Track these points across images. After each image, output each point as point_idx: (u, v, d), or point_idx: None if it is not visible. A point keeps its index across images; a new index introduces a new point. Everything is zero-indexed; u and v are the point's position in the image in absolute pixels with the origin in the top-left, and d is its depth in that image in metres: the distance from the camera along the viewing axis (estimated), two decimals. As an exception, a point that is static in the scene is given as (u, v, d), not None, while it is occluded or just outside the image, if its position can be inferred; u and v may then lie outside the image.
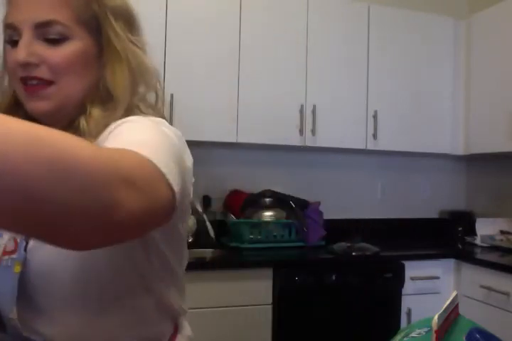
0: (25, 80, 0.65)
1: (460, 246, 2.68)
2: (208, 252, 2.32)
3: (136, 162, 0.47)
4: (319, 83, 2.51)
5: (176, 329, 0.75)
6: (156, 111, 0.73)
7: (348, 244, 2.31)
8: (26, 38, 0.64)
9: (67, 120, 0.68)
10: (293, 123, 2.44)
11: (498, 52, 2.56)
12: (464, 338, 0.44)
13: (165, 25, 2.23)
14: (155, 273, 0.68)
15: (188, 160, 0.67)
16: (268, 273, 2.07)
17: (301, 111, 2.45)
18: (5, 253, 0.62)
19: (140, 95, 0.72)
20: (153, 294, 0.69)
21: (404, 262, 2.29)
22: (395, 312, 2.26)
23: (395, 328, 2.13)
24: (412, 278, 2.30)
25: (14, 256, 0.61)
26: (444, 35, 2.77)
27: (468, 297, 2.26)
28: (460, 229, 2.81)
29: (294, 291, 2.09)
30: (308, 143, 2.48)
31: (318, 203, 2.58)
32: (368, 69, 2.61)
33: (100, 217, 0.40)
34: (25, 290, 0.60)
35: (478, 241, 2.66)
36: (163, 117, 0.72)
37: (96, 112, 0.67)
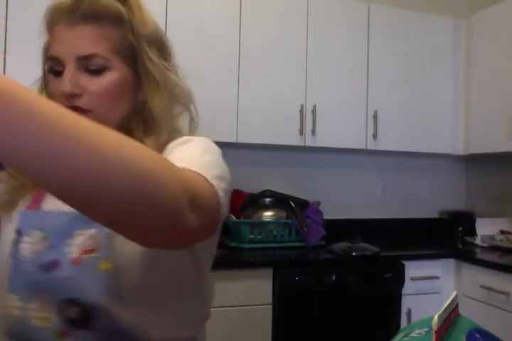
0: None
1: (460, 246, 2.68)
2: (208, 252, 2.32)
3: (198, 182, 0.57)
4: (319, 83, 2.51)
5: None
6: (191, 130, 0.81)
7: (348, 244, 2.31)
8: (70, 70, 0.69)
9: None
10: (293, 123, 2.45)
11: (498, 52, 2.56)
12: (464, 338, 0.44)
13: (165, 26, 2.23)
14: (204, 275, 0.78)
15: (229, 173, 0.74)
16: (268, 273, 2.07)
17: (301, 111, 2.45)
18: (86, 251, 0.67)
19: (177, 116, 0.80)
20: (200, 296, 0.78)
21: (404, 262, 2.29)
22: (395, 312, 2.26)
23: (395, 328, 2.13)
24: (412, 278, 2.30)
25: (97, 254, 0.66)
26: (444, 35, 2.77)
27: (468, 297, 2.26)
28: (460, 229, 2.81)
29: (294, 291, 2.09)
30: (308, 143, 2.48)
31: (318, 203, 2.58)
32: (368, 70, 2.61)
33: (167, 226, 0.49)
34: (109, 285, 0.67)
35: (478, 241, 2.66)
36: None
37: (147, 141, 0.72)
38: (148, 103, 0.74)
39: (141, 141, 0.70)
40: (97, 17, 0.69)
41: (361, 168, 2.94)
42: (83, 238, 0.67)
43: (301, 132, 2.45)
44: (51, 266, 0.67)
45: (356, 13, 2.59)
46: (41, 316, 0.67)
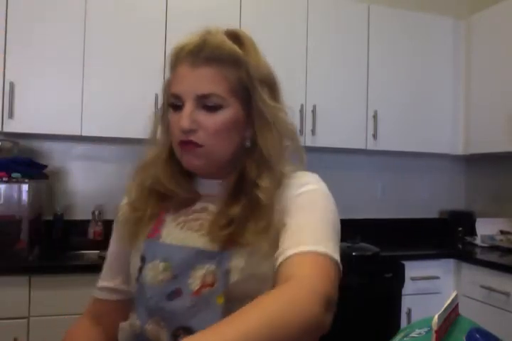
0: (182, 142, 0.77)
1: (460, 246, 2.68)
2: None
3: (329, 278, 0.69)
4: (319, 83, 2.51)
5: None
6: (300, 164, 0.90)
7: (348, 244, 2.31)
8: (189, 107, 0.75)
9: (223, 173, 0.81)
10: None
11: (498, 52, 2.56)
12: (464, 338, 0.44)
13: (165, 26, 2.23)
14: None
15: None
16: (268, 273, 2.07)
17: (301, 111, 2.45)
18: (205, 285, 0.73)
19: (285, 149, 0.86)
20: None
21: (404, 262, 2.29)
22: (395, 312, 2.26)
23: (395, 328, 2.13)
24: (412, 278, 2.30)
25: (214, 288, 0.72)
26: (444, 35, 2.77)
27: (468, 297, 2.26)
28: (460, 229, 2.81)
29: (294, 291, 2.09)
30: (308, 143, 2.47)
31: (318, 203, 2.57)
32: (368, 70, 2.61)
33: (312, 332, 0.58)
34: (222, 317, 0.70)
35: (478, 241, 2.66)
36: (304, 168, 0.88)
37: (264, 183, 0.78)
38: (259, 142, 0.80)
39: (256, 180, 0.78)
40: (219, 60, 0.75)
41: (361, 168, 2.94)
42: (203, 272, 0.74)
43: (301, 132, 2.45)
44: (174, 294, 0.74)
45: (356, 13, 2.59)
46: (156, 335, 0.74)
